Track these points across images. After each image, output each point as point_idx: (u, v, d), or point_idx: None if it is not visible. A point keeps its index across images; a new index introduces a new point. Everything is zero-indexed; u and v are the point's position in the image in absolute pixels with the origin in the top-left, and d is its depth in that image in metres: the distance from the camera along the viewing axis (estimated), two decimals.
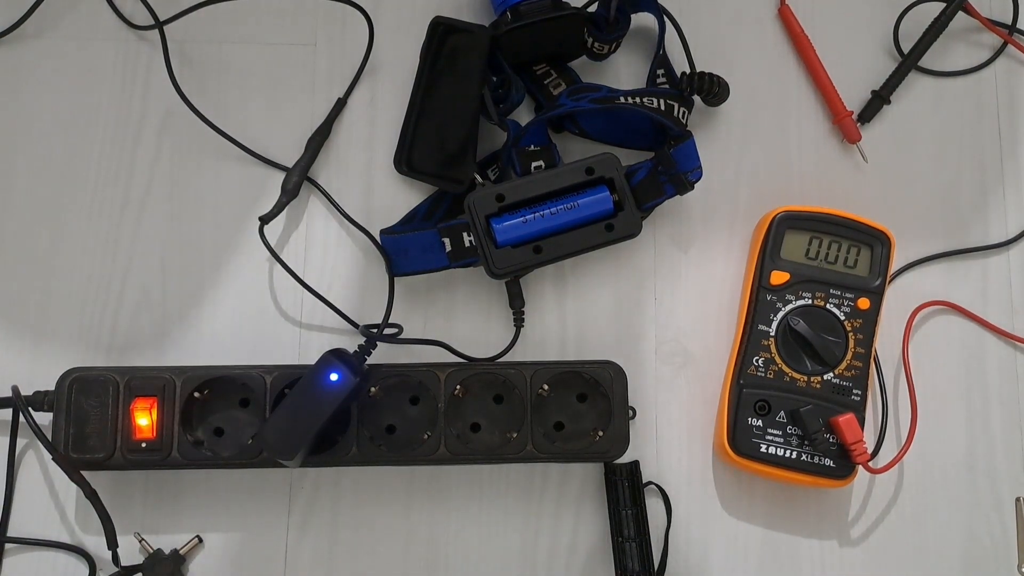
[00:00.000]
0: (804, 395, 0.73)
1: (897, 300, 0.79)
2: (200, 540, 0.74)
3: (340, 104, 0.80)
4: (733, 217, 0.80)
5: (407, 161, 0.79)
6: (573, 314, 0.79)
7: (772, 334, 0.74)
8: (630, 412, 0.74)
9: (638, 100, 0.75)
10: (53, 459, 0.69)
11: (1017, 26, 0.83)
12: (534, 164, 0.75)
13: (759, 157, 0.81)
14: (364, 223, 0.78)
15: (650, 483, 0.75)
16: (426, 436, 0.72)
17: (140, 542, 0.73)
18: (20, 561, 0.73)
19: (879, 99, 0.82)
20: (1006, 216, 0.81)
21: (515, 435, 0.72)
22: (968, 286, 0.80)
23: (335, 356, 0.68)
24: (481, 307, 0.78)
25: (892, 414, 0.77)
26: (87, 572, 0.73)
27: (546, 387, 0.73)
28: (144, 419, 0.70)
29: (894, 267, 0.77)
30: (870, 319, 0.75)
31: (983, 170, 0.82)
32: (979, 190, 0.81)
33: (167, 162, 0.79)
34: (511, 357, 0.76)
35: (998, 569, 0.76)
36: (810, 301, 0.75)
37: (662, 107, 0.76)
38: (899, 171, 0.82)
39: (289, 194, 0.77)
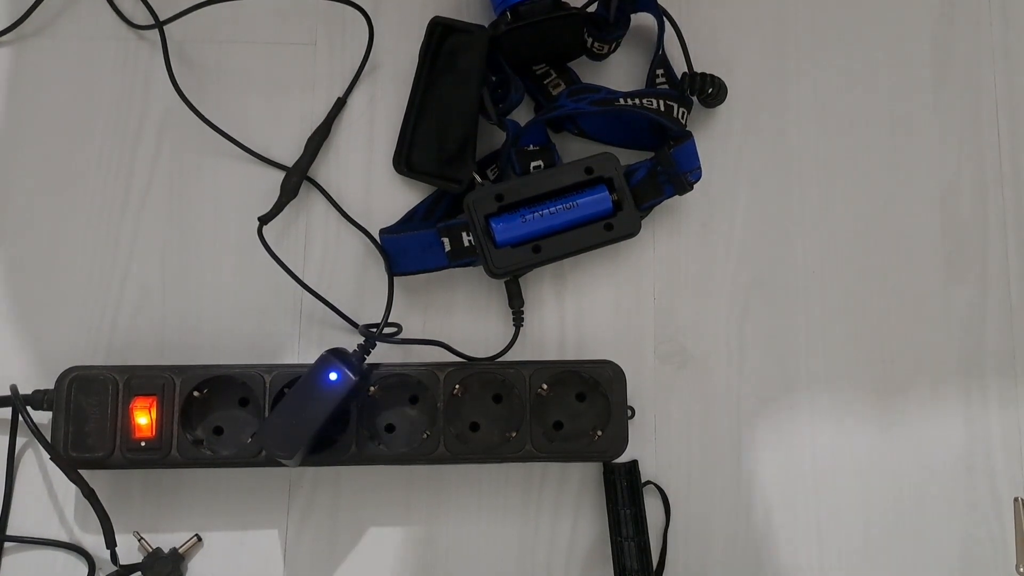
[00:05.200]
0: None
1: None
2: (199, 539, 0.74)
3: (340, 104, 0.80)
4: (733, 217, 0.80)
5: (406, 161, 0.79)
6: (572, 314, 0.79)
7: None
8: (629, 412, 0.74)
9: (637, 101, 0.75)
10: (51, 458, 0.69)
11: None
12: (533, 164, 0.75)
13: (759, 157, 0.81)
14: (364, 223, 0.78)
15: (649, 482, 0.75)
16: (425, 436, 0.72)
17: (139, 541, 0.73)
18: (20, 560, 0.73)
19: None
20: (1005, 215, 0.81)
21: (514, 435, 0.72)
22: (968, 286, 0.80)
23: (334, 356, 0.68)
24: (480, 307, 0.78)
25: None
26: (86, 571, 0.73)
27: (545, 387, 0.73)
28: (143, 418, 0.70)
29: None
30: None
31: (983, 170, 0.82)
32: (979, 189, 0.81)
33: (167, 162, 0.79)
34: (510, 357, 0.76)
35: (997, 569, 0.76)
36: None
37: (661, 108, 0.76)
38: (898, 171, 0.82)
39: (289, 194, 0.77)
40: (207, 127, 0.79)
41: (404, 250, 0.76)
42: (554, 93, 0.79)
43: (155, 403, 0.71)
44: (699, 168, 0.76)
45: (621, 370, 0.73)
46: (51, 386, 0.71)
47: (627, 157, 0.77)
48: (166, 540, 0.73)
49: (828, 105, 0.82)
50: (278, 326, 0.77)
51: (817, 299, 0.79)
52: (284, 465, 0.70)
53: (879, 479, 0.77)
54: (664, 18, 0.79)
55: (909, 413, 0.78)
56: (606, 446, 0.72)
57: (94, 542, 0.73)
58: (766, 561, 0.76)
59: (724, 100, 0.80)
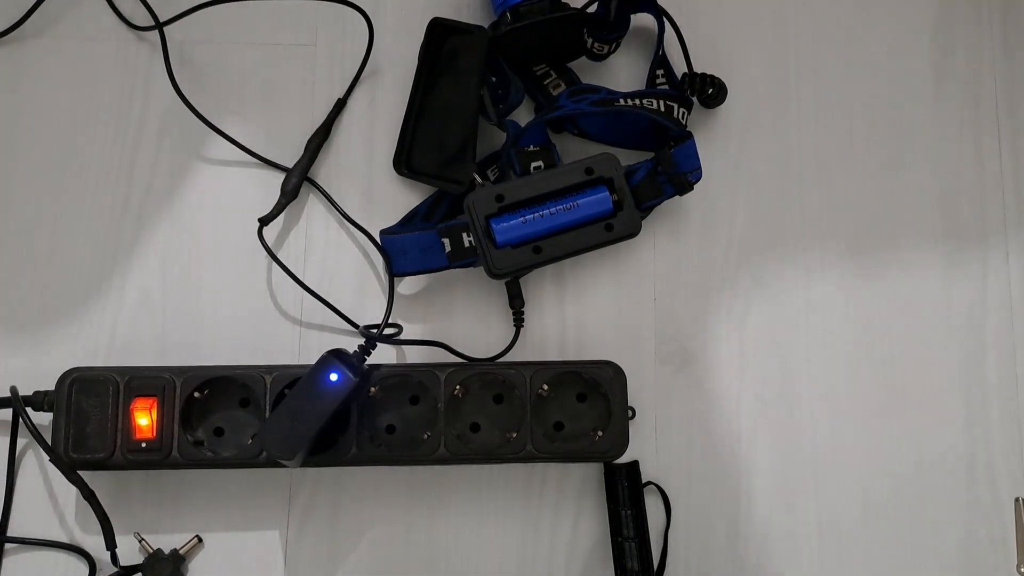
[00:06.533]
0: None
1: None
2: (200, 540, 0.74)
3: (340, 105, 0.80)
4: (733, 217, 0.80)
5: (406, 162, 0.79)
6: (573, 314, 0.79)
7: None
8: (629, 412, 0.74)
9: (638, 102, 0.75)
10: (50, 460, 0.69)
11: None
12: (533, 164, 0.75)
13: (759, 157, 0.81)
14: (364, 223, 0.78)
15: (649, 483, 0.75)
16: (426, 436, 0.72)
17: (140, 542, 0.73)
18: (20, 561, 0.73)
19: None
20: (1005, 215, 0.81)
21: (515, 435, 0.72)
22: (968, 286, 0.80)
23: (335, 356, 0.68)
24: (481, 307, 0.78)
25: None
26: (87, 572, 0.73)
27: (546, 387, 0.73)
28: (144, 419, 0.70)
29: None
30: None
31: (983, 169, 0.82)
32: (979, 189, 0.81)
33: (167, 162, 0.79)
34: (511, 357, 0.76)
35: (997, 569, 0.76)
36: None
37: (661, 108, 0.76)
38: (898, 171, 0.82)
39: (289, 195, 0.77)
40: (207, 128, 0.79)
41: (404, 251, 0.76)
42: (554, 93, 0.79)
43: (156, 404, 0.71)
44: (699, 168, 0.76)
45: (622, 370, 0.73)
46: (51, 387, 0.71)
47: (627, 157, 0.77)
48: (167, 541, 0.73)
49: (828, 105, 0.82)
50: (278, 327, 0.77)
51: (817, 299, 0.79)
52: (285, 466, 0.70)
53: (879, 479, 0.77)
54: (664, 18, 0.79)
55: (909, 413, 0.78)
56: (607, 446, 0.72)
57: (95, 543, 0.73)
58: (766, 561, 0.76)
59: (724, 100, 0.80)
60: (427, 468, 0.75)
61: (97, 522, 0.70)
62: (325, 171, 0.80)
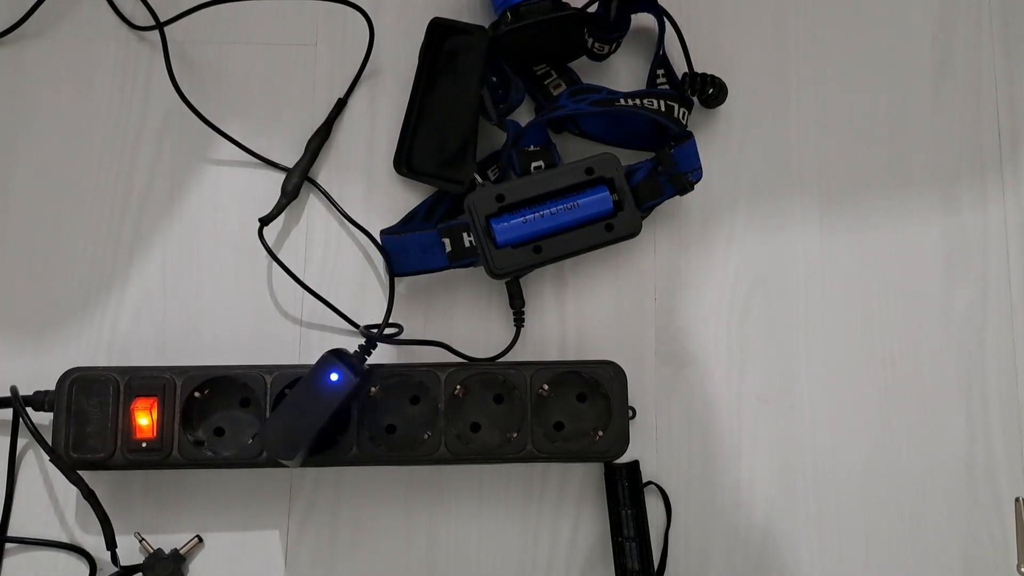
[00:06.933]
0: None
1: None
2: (200, 540, 0.74)
3: (340, 105, 0.80)
4: (733, 217, 0.80)
5: (407, 162, 0.79)
6: (573, 314, 0.79)
7: None
8: (630, 412, 0.74)
9: (638, 102, 0.75)
10: (50, 460, 0.69)
11: None
12: (534, 164, 0.75)
13: (759, 157, 0.81)
14: (364, 223, 0.78)
15: (650, 483, 0.75)
16: (426, 436, 0.72)
17: (140, 542, 0.73)
18: (20, 561, 0.73)
19: None
20: (1005, 214, 0.81)
21: (515, 435, 0.72)
22: (969, 285, 0.80)
23: (335, 356, 0.68)
24: (481, 307, 0.78)
25: None
26: (87, 572, 0.73)
27: (546, 387, 0.73)
28: (144, 419, 0.70)
29: None
30: None
31: (983, 169, 0.82)
32: (979, 189, 0.81)
33: (167, 162, 0.79)
34: (511, 357, 0.76)
35: (997, 569, 0.76)
36: None
37: (662, 108, 0.76)
38: (898, 171, 0.82)
39: (289, 195, 0.77)
40: (208, 128, 0.79)
41: (405, 251, 0.76)
42: (555, 93, 0.79)
43: (156, 404, 0.71)
44: (699, 168, 0.76)
45: (622, 370, 0.73)
46: (52, 387, 0.71)
47: (627, 157, 0.77)
48: (167, 541, 0.73)
49: (828, 105, 0.82)
50: (279, 327, 0.77)
51: (817, 299, 0.79)
52: (285, 466, 0.70)
53: (879, 479, 0.77)
54: (664, 18, 0.79)
55: (909, 413, 0.78)
56: (607, 446, 0.72)
57: (95, 543, 0.73)
58: (767, 561, 0.76)
59: (724, 100, 0.80)
60: (427, 468, 0.75)
61: (97, 522, 0.70)
62: (325, 171, 0.80)
